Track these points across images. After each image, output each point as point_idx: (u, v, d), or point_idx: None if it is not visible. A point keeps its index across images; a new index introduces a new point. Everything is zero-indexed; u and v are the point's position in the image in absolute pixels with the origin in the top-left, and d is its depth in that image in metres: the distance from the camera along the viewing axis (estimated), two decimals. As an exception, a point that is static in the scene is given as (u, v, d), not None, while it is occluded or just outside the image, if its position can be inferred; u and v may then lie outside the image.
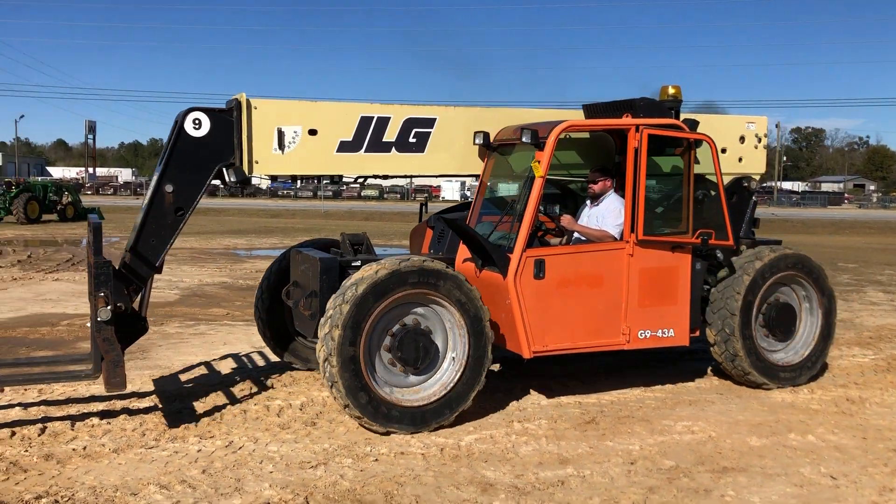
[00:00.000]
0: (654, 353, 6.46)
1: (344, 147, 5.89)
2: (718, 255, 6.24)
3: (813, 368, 6.75)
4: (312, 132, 5.79)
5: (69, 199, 30.19)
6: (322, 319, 5.19)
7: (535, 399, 6.21)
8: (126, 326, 5.45)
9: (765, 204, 68.33)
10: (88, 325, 4.97)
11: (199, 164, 5.52)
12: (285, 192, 67.03)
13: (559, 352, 5.78)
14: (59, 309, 10.09)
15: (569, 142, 6.62)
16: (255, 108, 5.60)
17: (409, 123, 6.04)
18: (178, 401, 6.03)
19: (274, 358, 7.13)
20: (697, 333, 6.36)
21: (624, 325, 5.90)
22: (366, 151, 5.94)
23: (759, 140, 7.30)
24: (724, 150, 7.03)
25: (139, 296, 5.63)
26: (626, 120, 6.07)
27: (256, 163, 5.63)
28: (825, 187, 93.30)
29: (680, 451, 5.09)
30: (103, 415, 5.60)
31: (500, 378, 6.77)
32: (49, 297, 11.13)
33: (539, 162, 5.61)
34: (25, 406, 5.76)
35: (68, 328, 8.76)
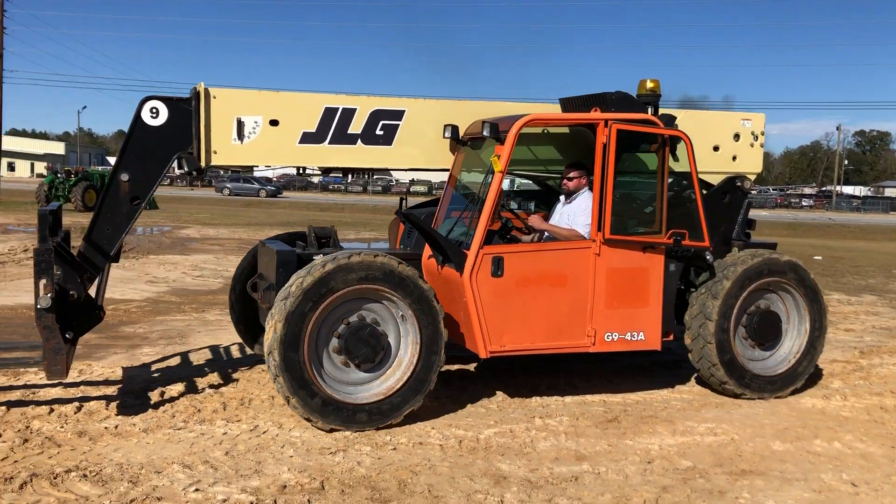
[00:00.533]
0: (685, 354, 6.40)
1: (307, 138, 5.80)
2: (708, 257, 6.05)
3: (795, 381, 6.38)
4: (274, 123, 5.70)
5: (126, 189, 30.98)
6: (269, 312, 5.12)
7: (559, 396, 6.22)
8: (81, 314, 5.47)
9: (822, 209, 66.68)
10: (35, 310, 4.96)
11: (156, 153, 5.48)
12: (335, 186, 67.79)
13: (518, 353, 5.64)
14: (106, 294, 10.40)
15: (548, 137, 6.45)
16: (214, 98, 5.52)
17: (377, 115, 5.92)
18: (211, 386, 6.20)
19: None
20: (671, 337, 6.13)
21: (589, 327, 5.71)
22: (330, 143, 5.84)
23: (756, 138, 6.96)
24: (716, 148, 6.81)
25: (96, 284, 5.62)
26: (595, 114, 5.93)
27: (214, 153, 5.56)
28: (889, 192, 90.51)
29: (699, 452, 5.07)
30: (137, 396, 5.81)
31: (525, 375, 6.80)
32: (99, 282, 11.49)
33: (499, 156, 5.45)
34: (66, 385, 6.00)
35: (113, 312, 9.07)
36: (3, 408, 5.37)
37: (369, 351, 5.18)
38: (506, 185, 6.29)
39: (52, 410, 5.35)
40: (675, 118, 6.12)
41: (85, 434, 4.95)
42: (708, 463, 4.88)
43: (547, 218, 6.33)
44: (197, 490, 4.15)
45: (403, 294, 5.20)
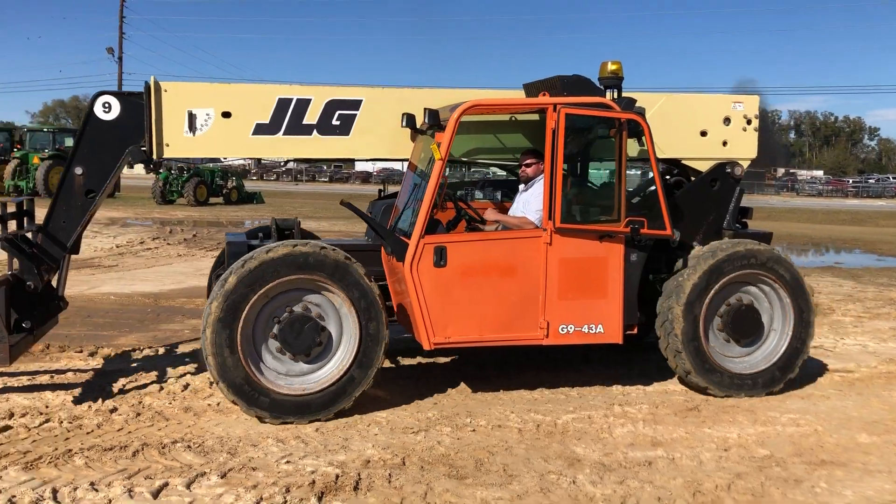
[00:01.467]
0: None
1: (260, 129, 5.81)
2: (694, 244, 6.01)
3: (773, 381, 6.00)
4: (226, 115, 5.74)
5: (234, 184, 32.48)
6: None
7: (640, 385, 6.28)
8: (39, 304, 5.64)
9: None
10: None
11: (109, 146, 5.59)
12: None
13: (464, 344, 5.53)
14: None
15: (516, 124, 6.31)
16: (165, 91, 5.62)
17: (332, 105, 5.88)
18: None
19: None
20: (636, 331, 5.89)
21: (542, 319, 5.53)
22: (284, 134, 5.84)
23: (749, 122, 6.58)
24: (704, 133, 6.49)
25: (57, 275, 5.81)
26: (543, 99, 5.74)
27: (167, 145, 5.65)
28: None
29: (779, 442, 5.05)
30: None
31: (604, 364, 6.89)
32: (206, 272, 12.20)
33: (439, 144, 5.35)
34: (176, 366, 6.50)
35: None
36: (120, 385, 5.89)
37: (308, 342, 5.13)
38: (479, 174, 6.30)
39: (161, 388, 5.84)
40: (634, 101, 5.79)
41: (190, 410, 5.39)
42: (786, 452, 4.86)
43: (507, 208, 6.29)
44: (288, 462, 4.48)
45: (342, 286, 5.13)
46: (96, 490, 4.02)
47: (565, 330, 5.58)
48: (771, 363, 5.99)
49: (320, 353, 5.26)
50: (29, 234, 5.64)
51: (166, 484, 4.12)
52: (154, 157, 5.64)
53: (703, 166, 6.48)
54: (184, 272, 12.22)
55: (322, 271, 5.10)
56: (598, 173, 6.43)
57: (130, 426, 5.04)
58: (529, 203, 5.83)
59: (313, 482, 4.19)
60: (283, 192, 43.32)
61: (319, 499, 4.02)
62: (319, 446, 4.76)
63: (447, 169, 5.56)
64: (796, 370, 6.05)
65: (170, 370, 6.37)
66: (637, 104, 5.74)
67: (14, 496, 3.91)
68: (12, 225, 5.63)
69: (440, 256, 5.32)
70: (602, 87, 5.94)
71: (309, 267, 5.08)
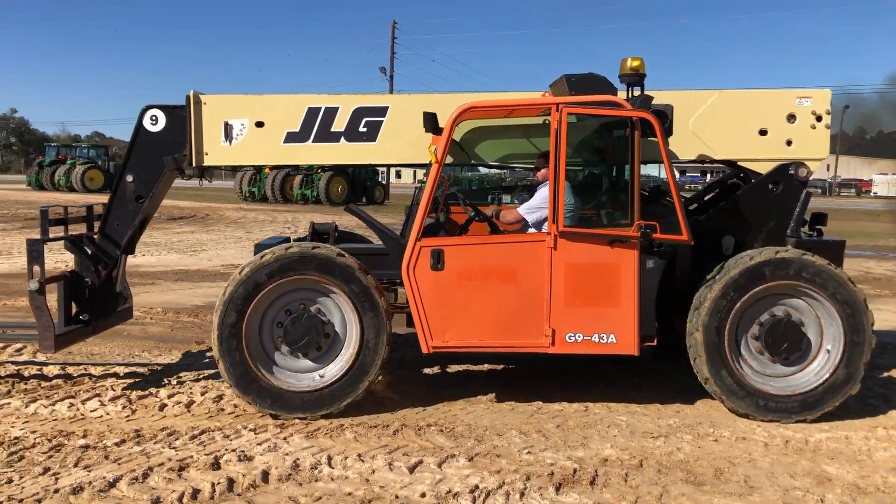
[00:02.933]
0: None
1: (291, 138, 6.00)
2: (726, 250, 5.56)
3: (819, 404, 5.33)
4: (259, 124, 5.98)
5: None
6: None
7: (911, 408, 5.77)
8: (100, 300, 6.10)
9: None
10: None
11: (156, 156, 5.95)
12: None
13: (464, 349, 5.47)
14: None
15: (544, 127, 5.87)
16: (204, 104, 5.94)
17: (359, 113, 6.00)
18: (559, 369, 6.85)
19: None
20: (655, 343, 5.50)
21: (547, 326, 5.31)
22: (314, 142, 5.99)
23: (819, 119, 5.89)
24: (763, 132, 5.90)
25: (117, 273, 6.20)
26: (545, 98, 5.48)
27: (206, 154, 5.98)
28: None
29: None
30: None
31: (879, 383, 6.37)
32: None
33: (436, 148, 5.31)
34: (432, 357, 7.08)
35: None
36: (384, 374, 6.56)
37: (313, 339, 5.31)
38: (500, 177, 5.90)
39: (421, 376, 6.41)
40: (650, 99, 5.42)
41: (443, 397, 5.88)
42: None
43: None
44: (529, 453, 4.76)
45: (342, 285, 5.27)
46: (362, 461, 4.59)
47: (573, 338, 5.36)
48: (813, 386, 5.36)
49: (325, 352, 5.43)
50: (92, 236, 6.19)
51: (421, 461, 4.58)
52: (194, 164, 6.05)
53: (765, 168, 5.93)
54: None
55: (325, 272, 5.27)
56: (610, 175, 6.07)
57: (394, 407, 5.62)
58: (531, 202, 5.79)
59: (552, 473, 4.43)
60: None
61: (557, 489, 4.25)
62: (559, 441, 4.98)
63: (479, 170, 5.64)
64: (847, 391, 5.36)
65: (430, 360, 6.95)
66: (654, 101, 5.43)
67: (298, 459, 4.59)
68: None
69: (437, 259, 5.31)
70: (626, 84, 5.66)
71: (311, 269, 5.27)
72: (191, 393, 5.92)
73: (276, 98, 6.07)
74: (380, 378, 5.87)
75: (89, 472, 4.35)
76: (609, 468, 4.55)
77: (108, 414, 5.42)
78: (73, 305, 6.00)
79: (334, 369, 5.38)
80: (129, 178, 6.03)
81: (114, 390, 5.91)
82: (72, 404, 5.57)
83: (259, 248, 5.76)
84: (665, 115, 5.35)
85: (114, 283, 6.21)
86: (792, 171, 5.81)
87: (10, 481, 4.21)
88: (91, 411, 5.47)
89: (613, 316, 5.33)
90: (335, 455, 4.66)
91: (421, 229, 5.34)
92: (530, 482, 4.32)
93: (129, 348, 7.44)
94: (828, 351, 5.40)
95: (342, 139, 6.00)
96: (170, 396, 5.80)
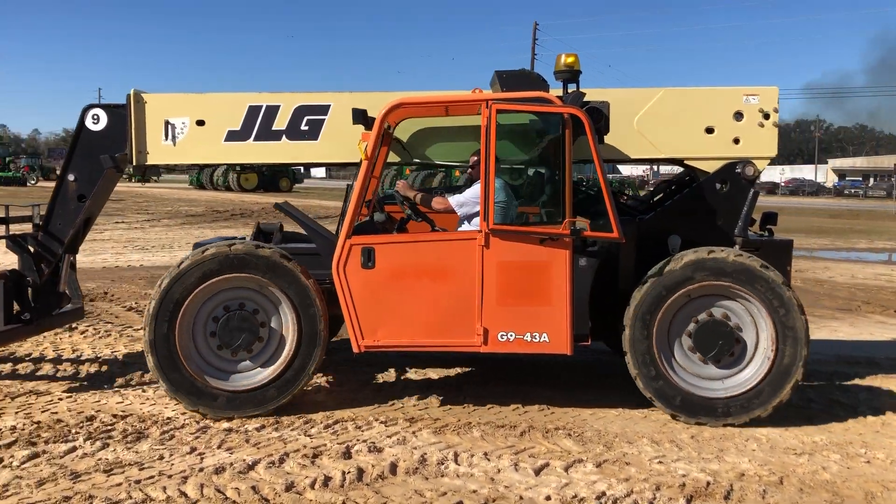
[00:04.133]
0: None
1: (232, 136, 5.91)
2: (672, 249, 5.44)
3: (748, 409, 5.23)
4: (200, 123, 5.91)
5: (630, 195, 33.22)
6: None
7: None
8: (42, 300, 6.04)
9: None
10: None
11: (99, 155, 5.83)
12: (853, 191, 61.75)
13: (395, 348, 5.44)
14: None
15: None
16: (145, 103, 5.86)
17: (301, 111, 5.89)
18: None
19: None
20: (589, 342, 5.46)
21: (479, 325, 5.20)
22: (255, 140, 5.90)
23: (767, 116, 5.78)
24: (710, 131, 5.82)
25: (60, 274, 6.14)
26: (475, 95, 5.39)
27: (147, 153, 5.91)
28: None
29: None
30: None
31: None
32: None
33: (366, 145, 5.23)
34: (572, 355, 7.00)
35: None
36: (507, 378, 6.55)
37: (247, 339, 5.25)
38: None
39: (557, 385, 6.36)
40: (582, 95, 5.33)
41: (572, 401, 5.79)
42: None
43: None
44: (660, 463, 4.61)
45: (282, 284, 5.23)
46: (488, 460, 4.60)
47: (505, 337, 5.24)
48: (750, 387, 5.26)
49: (260, 351, 5.37)
50: (36, 235, 6.13)
51: (547, 464, 4.54)
52: (134, 163, 6.00)
53: (713, 167, 5.81)
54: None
55: (264, 271, 5.23)
56: (542, 172, 5.84)
57: (521, 408, 5.60)
58: (463, 195, 5.68)
59: (683, 485, 4.27)
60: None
61: (689, 501, 4.09)
62: (693, 453, 4.80)
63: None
64: (781, 396, 5.22)
65: (564, 366, 6.88)
66: (586, 97, 5.34)
67: (425, 453, 4.66)
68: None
69: (368, 257, 5.23)
70: (561, 81, 5.58)
71: (251, 268, 5.23)
72: (329, 381, 6.14)
73: (217, 96, 6.06)
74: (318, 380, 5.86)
75: (231, 453, 4.60)
76: (745, 483, 4.33)
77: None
78: (15, 305, 5.98)
79: (268, 370, 5.34)
80: (71, 178, 6.02)
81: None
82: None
83: (197, 247, 5.68)
84: (599, 113, 5.30)
85: (57, 283, 6.20)
86: (739, 170, 5.70)
87: (161, 457, 4.53)
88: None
89: (546, 315, 5.24)
90: (462, 452, 4.69)
91: (351, 227, 5.28)
92: (660, 492, 4.18)
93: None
94: (761, 354, 5.31)
95: (283, 138, 5.95)
96: (306, 385, 6.01)
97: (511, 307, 5.24)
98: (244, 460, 4.47)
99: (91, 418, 5.17)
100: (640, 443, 4.95)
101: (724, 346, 5.28)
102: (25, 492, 4.03)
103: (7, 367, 6.49)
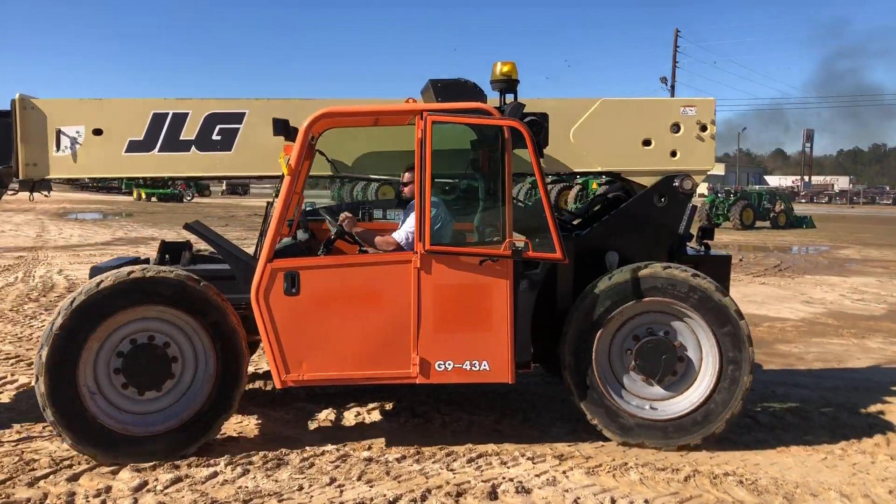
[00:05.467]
0: None
1: (134, 147, 5.35)
2: (609, 266, 5.20)
3: (687, 431, 4.99)
4: (97, 132, 5.32)
5: (781, 207, 31.11)
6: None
7: None
8: None
9: None
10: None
11: None
12: None
13: (323, 382, 5.05)
14: (761, 311, 10.67)
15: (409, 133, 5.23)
16: (32, 109, 5.22)
17: (212, 119, 5.37)
18: (866, 415, 5.84)
19: None
20: (531, 369, 5.23)
21: (414, 354, 4.81)
22: (160, 151, 5.36)
23: (704, 129, 5.56)
24: (647, 143, 5.56)
25: None
26: (408, 105, 5.05)
27: (35, 166, 5.26)
28: None
29: None
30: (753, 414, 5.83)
31: None
32: (754, 298, 11.82)
33: (288, 159, 4.77)
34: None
35: (768, 329, 9.25)
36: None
37: (152, 376, 4.69)
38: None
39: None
40: (522, 106, 4.99)
41: (740, 443, 5.19)
42: None
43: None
44: (855, 523, 3.98)
45: (195, 315, 4.68)
46: (651, 508, 4.12)
47: (443, 367, 4.84)
48: (689, 410, 5.02)
49: (171, 389, 4.81)
50: None
51: (719, 517, 4.01)
52: (21, 177, 5.37)
53: (650, 181, 5.55)
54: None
55: (172, 301, 4.67)
56: (480, 189, 5.38)
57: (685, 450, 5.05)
58: (404, 222, 5.24)
59: (889, 554, 3.64)
60: (836, 216, 39.94)
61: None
62: (895, 511, 4.12)
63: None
64: (725, 416, 4.97)
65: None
66: (525, 109, 4.99)
67: (579, 497, 4.23)
68: None
69: (292, 283, 4.74)
70: (497, 91, 5.18)
71: (158, 297, 4.66)
72: (471, 410, 5.82)
73: (116, 102, 5.51)
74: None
75: (371, 487, 4.34)
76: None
77: (390, 426, 5.48)
78: None
79: (188, 408, 4.76)
80: None
81: (399, 402, 5.98)
82: (358, 413, 5.73)
83: (95, 272, 5.20)
84: (539, 125, 4.99)
85: None
86: (676, 184, 5.50)
87: (300, 488, 4.33)
88: (372, 422, 5.57)
89: (485, 341, 4.88)
90: (619, 498, 4.24)
91: (272, 249, 4.79)
92: (860, 562, 3.57)
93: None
94: (705, 372, 5.06)
95: (193, 148, 5.44)
96: (446, 416, 5.72)
97: (449, 334, 4.88)
98: (385, 496, 4.20)
99: (233, 440, 5.09)
100: (826, 496, 4.32)
101: (667, 365, 5.03)
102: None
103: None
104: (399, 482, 4.42)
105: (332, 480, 4.44)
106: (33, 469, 4.55)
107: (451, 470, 4.62)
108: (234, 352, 4.76)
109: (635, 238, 5.46)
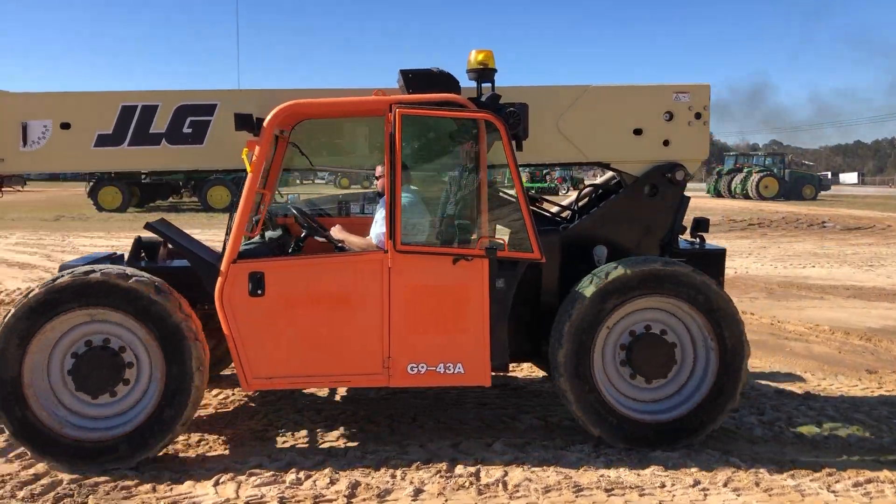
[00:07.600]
0: None
1: (103, 141, 5.21)
2: (598, 261, 4.98)
3: (680, 436, 4.78)
4: (65, 126, 5.19)
5: None
6: None
7: None
8: None
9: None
10: None
11: None
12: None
13: (290, 385, 5.00)
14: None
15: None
16: None
17: (183, 111, 5.21)
18: None
19: None
20: (510, 371, 5.19)
21: (385, 357, 4.67)
22: (130, 145, 5.20)
23: (698, 116, 5.21)
24: (639, 132, 5.21)
25: None
26: (377, 98, 4.77)
27: (2, 161, 5.16)
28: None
29: None
30: None
31: None
32: None
33: (251, 154, 4.66)
34: None
35: None
36: None
37: (103, 380, 4.53)
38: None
39: None
40: (498, 97, 4.80)
41: None
42: None
43: None
44: None
45: (143, 319, 4.49)
46: None
47: (416, 370, 4.71)
48: (684, 410, 4.83)
49: (125, 395, 4.63)
50: None
51: None
52: None
53: (641, 171, 5.27)
54: None
55: (115, 304, 4.48)
56: (454, 184, 5.16)
57: None
58: (376, 222, 5.00)
59: None
60: None
61: None
62: None
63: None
64: (719, 417, 4.82)
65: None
66: (502, 100, 4.81)
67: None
68: None
69: (257, 284, 4.59)
70: (474, 81, 4.93)
71: (100, 298, 4.48)
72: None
73: (84, 95, 5.33)
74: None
75: (738, 496, 4.16)
76: None
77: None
78: None
79: (137, 415, 4.56)
80: None
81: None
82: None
83: (64, 269, 4.94)
84: (517, 116, 4.74)
85: None
86: (669, 174, 5.23)
87: (662, 485, 4.29)
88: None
89: (461, 343, 4.75)
90: None
91: (236, 249, 4.63)
92: None
93: (791, 366, 7.07)
94: (698, 372, 4.89)
95: (164, 142, 5.26)
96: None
97: (422, 335, 4.74)
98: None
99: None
100: None
101: (663, 363, 4.85)
102: (533, 496, 4.15)
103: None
104: (770, 495, 4.15)
105: (696, 483, 4.32)
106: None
107: (833, 492, 4.20)
108: (182, 362, 4.49)
109: (625, 231, 5.25)
